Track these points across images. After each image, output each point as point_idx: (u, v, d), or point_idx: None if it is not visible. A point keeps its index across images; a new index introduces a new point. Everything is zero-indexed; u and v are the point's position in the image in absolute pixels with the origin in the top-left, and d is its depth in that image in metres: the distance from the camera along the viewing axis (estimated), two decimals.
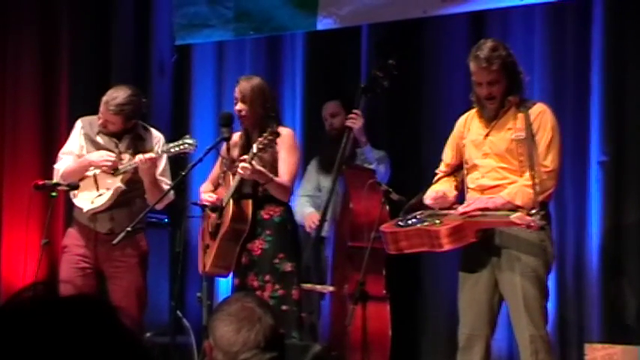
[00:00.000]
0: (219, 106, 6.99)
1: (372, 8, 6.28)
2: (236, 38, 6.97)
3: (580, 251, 5.86)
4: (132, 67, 7.28)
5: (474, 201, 4.58)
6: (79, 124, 5.49)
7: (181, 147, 5.21)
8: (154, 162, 5.23)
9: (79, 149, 5.42)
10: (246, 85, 5.21)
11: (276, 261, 5.07)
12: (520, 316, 4.51)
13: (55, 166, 5.48)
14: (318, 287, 5.40)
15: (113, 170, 5.26)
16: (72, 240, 5.38)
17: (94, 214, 5.30)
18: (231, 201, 5.11)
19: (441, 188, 4.78)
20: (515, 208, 4.42)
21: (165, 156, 5.34)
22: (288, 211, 5.24)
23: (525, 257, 4.52)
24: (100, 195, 5.30)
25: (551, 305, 5.47)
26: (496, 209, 4.49)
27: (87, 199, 5.32)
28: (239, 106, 5.20)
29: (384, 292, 5.18)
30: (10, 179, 7.18)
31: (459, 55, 6.07)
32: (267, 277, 5.05)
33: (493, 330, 4.68)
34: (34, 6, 7.34)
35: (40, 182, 5.51)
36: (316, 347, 4.86)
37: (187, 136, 5.31)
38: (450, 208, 4.72)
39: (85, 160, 5.33)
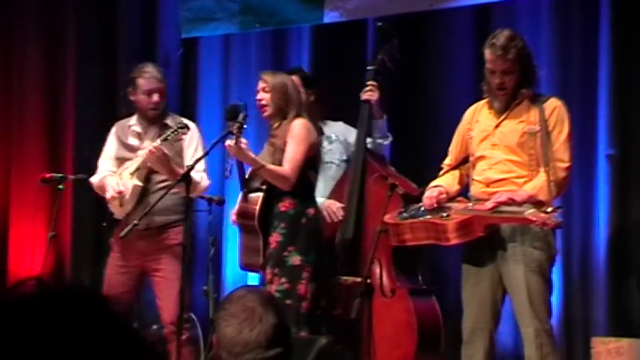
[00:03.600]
0: (226, 99, 6.98)
1: (378, 1, 6.27)
2: (242, 32, 6.97)
3: (587, 245, 5.84)
4: (138, 60, 7.27)
5: (502, 197, 4.46)
6: (113, 128, 5.56)
7: (177, 132, 5.25)
8: (160, 152, 5.21)
9: (113, 151, 5.49)
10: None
11: (285, 254, 5.00)
12: (525, 310, 4.49)
13: (91, 178, 5.54)
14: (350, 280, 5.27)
15: (119, 201, 5.32)
16: (115, 241, 5.43)
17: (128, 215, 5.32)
18: (240, 195, 5.11)
19: (442, 183, 4.76)
20: (536, 204, 4.37)
21: (195, 145, 5.38)
22: (304, 204, 5.08)
23: (530, 251, 4.50)
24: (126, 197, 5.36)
25: (557, 299, 5.47)
26: (521, 203, 4.41)
27: (116, 204, 5.37)
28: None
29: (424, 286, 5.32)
30: (18, 173, 7.20)
31: (465, 49, 6.07)
32: (276, 270, 4.99)
33: (497, 324, 4.66)
34: (39, 0, 7.35)
35: (47, 175, 5.54)
36: (322, 341, 4.86)
37: (180, 121, 5.36)
38: (453, 200, 4.70)
39: (106, 183, 5.39)
